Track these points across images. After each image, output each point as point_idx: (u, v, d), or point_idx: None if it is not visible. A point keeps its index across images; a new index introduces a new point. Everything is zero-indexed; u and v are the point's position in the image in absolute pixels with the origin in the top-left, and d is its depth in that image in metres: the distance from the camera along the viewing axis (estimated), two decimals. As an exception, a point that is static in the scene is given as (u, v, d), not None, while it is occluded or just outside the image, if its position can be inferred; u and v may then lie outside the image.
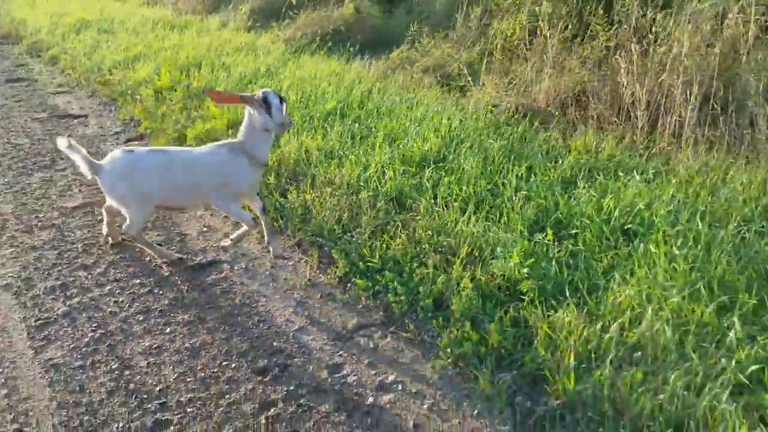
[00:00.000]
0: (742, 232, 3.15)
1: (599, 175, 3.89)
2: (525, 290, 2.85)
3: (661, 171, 3.97)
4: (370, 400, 2.53)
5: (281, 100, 3.11)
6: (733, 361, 2.25)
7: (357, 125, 4.81)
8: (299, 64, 6.92)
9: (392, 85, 6.17)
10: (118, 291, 3.26)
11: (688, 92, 4.53)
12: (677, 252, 2.85)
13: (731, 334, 2.35)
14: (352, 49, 7.64)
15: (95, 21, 10.88)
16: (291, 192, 3.98)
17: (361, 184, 3.90)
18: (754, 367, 2.21)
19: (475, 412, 2.47)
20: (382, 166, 4.06)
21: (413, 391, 2.59)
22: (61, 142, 3.28)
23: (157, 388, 2.57)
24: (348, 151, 4.34)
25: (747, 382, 2.19)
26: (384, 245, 3.36)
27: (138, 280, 3.35)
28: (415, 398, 2.55)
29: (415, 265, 3.18)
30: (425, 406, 2.51)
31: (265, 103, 3.07)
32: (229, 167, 3.24)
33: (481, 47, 6.71)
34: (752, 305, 2.53)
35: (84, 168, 3.26)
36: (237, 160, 3.23)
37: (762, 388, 2.16)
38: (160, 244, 3.66)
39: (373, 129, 4.70)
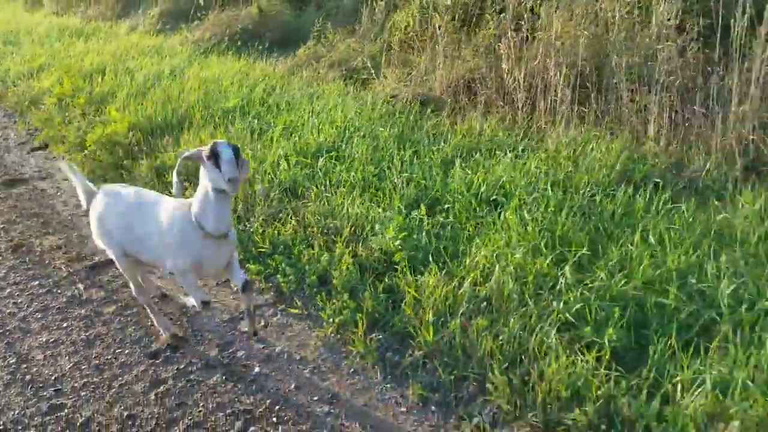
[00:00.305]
0: (594, 195, 3.54)
1: (476, 155, 4.23)
2: (398, 260, 3.15)
3: (533, 147, 4.36)
4: (257, 370, 2.77)
5: (235, 151, 2.47)
6: (562, 303, 2.60)
7: (257, 121, 5.00)
8: (205, 64, 7.03)
9: (297, 81, 6.38)
10: (17, 293, 3.37)
11: (559, 73, 4.94)
12: (528, 216, 3.20)
13: (562, 280, 2.71)
14: (260, 47, 7.80)
15: (1, 33, 10.60)
16: (188, 190, 4.14)
17: (257, 176, 4.11)
18: (578, 306, 2.57)
19: (352, 370, 2.75)
20: (278, 159, 4.28)
21: (297, 359, 2.84)
22: (63, 166, 3.10)
23: (53, 377, 2.73)
24: (247, 146, 4.54)
25: (572, 320, 2.55)
26: (276, 231, 3.60)
27: (37, 282, 3.46)
28: (299, 364, 2.81)
29: (303, 247, 3.42)
30: (307, 371, 2.76)
31: (213, 155, 2.43)
32: (174, 233, 2.63)
33: (383, 40, 7.01)
34: (587, 256, 2.90)
35: (81, 193, 3.06)
36: (183, 226, 2.61)
37: (584, 324, 2.52)
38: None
39: (272, 124, 4.91)
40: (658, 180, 3.69)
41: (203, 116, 5.24)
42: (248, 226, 3.72)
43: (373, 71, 6.52)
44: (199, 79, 6.28)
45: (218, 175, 2.42)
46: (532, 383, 2.38)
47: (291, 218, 3.66)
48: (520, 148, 4.24)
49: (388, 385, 2.64)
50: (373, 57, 6.86)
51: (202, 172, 2.55)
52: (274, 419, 2.47)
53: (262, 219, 3.71)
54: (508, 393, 2.38)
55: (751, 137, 4.00)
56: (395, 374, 2.68)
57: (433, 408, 2.50)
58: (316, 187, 3.92)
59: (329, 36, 7.59)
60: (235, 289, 3.09)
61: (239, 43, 8.08)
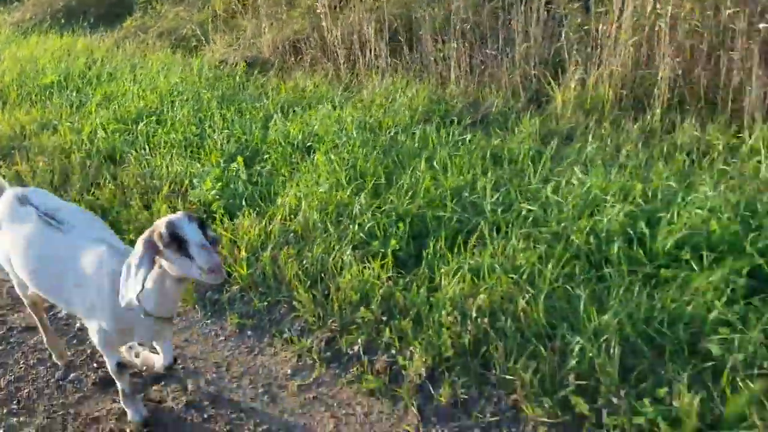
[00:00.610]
0: (396, 134, 3.92)
1: (297, 109, 4.47)
2: (215, 209, 3.34)
3: (350, 98, 4.67)
4: (77, 326, 2.86)
5: (201, 225, 1.82)
6: (357, 225, 2.93)
7: (75, 94, 4.90)
8: (24, 44, 6.66)
9: (122, 53, 6.24)
10: None
11: (372, 29, 5.27)
12: (335, 157, 3.51)
13: (358, 206, 3.04)
14: (85, 23, 7.49)
15: None
16: (2, 168, 4.04)
17: (74, 147, 4.08)
18: (370, 225, 2.91)
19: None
20: (96, 128, 4.26)
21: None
22: None
23: None
24: (65, 120, 4.46)
25: (365, 238, 2.89)
26: (94, 197, 3.63)
27: None
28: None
29: (122, 208, 3.50)
30: (130, 319, 2.90)
31: (173, 240, 1.77)
32: (99, 290, 2.01)
33: (210, 7, 7.00)
34: (383, 185, 3.26)
35: None
36: (112, 296, 1.94)
37: (374, 239, 2.87)
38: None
39: (91, 95, 4.84)
40: (454, 118, 4.13)
41: (19, 94, 5.03)
42: (64, 194, 3.72)
43: (203, 38, 6.52)
44: (16, 59, 5.96)
45: (189, 265, 1.77)
46: (331, 296, 2.70)
47: (109, 183, 3.70)
48: (338, 100, 4.53)
49: (209, 321, 2.85)
50: (202, 24, 6.84)
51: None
52: (95, 365, 2.60)
53: (79, 187, 3.73)
54: (312, 307, 2.68)
55: (533, 72, 4.56)
56: (215, 310, 2.90)
57: (249, 333, 2.75)
58: (136, 150, 3.98)
59: (156, 6, 7.44)
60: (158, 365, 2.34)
61: (62, 21, 7.71)
